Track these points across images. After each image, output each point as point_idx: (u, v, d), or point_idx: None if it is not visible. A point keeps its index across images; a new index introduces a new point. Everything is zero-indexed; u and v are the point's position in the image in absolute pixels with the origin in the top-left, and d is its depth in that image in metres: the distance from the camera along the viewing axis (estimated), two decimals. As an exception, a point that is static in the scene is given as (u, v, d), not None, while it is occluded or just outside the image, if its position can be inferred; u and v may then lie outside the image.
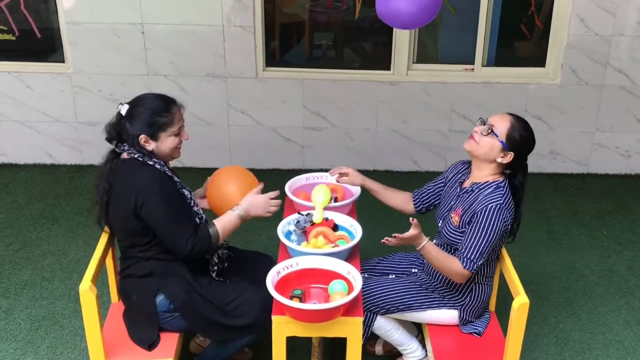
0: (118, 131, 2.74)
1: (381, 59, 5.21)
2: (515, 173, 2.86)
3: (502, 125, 2.78)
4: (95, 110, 5.14)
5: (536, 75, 5.17)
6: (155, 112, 2.72)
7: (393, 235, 2.72)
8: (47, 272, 3.99)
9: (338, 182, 3.22)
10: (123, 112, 2.72)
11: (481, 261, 2.73)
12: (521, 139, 2.78)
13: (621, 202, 4.97)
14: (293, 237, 2.93)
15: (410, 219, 2.74)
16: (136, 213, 2.66)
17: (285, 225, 2.96)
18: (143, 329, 2.81)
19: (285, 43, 5.59)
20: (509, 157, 2.78)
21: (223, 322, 2.79)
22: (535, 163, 5.33)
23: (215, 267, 2.92)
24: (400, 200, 3.20)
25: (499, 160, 2.79)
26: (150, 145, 2.73)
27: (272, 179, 5.14)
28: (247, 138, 5.28)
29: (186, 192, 2.80)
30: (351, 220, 2.99)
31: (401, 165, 5.37)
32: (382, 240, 2.70)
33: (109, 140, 2.78)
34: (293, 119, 5.24)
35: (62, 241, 4.32)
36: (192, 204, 2.81)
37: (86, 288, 2.53)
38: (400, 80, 5.14)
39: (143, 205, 2.64)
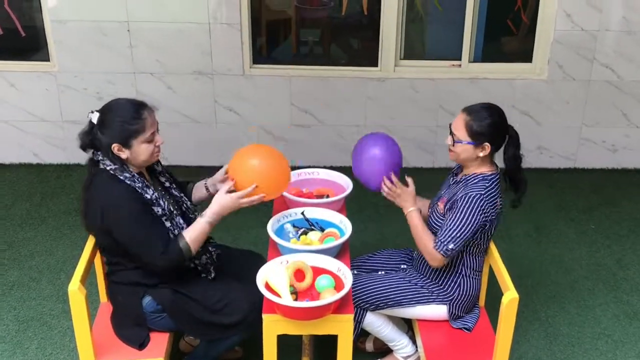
0: (91, 139, 2.66)
1: (368, 56, 5.21)
2: (505, 149, 2.87)
3: (460, 129, 2.79)
4: (81, 108, 5.08)
5: (523, 70, 5.19)
6: (125, 119, 2.61)
7: (392, 179, 2.86)
8: (35, 273, 3.96)
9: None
10: (94, 121, 2.64)
11: (451, 245, 2.74)
12: (484, 129, 2.76)
13: (608, 197, 5.00)
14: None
15: (406, 176, 2.86)
16: (104, 229, 2.63)
17: (276, 222, 2.95)
18: (132, 329, 2.80)
19: (272, 40, 5.57)
20: (487, 147, 2.79)
21: (211, 320, 2.77)
22: (523, 158, 5.34)
23: (210, 268, 2.91)
24: (424, 207, 3.09)
25: (481, 154, 2.80)
26: (124, 154, 2.64)
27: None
28: (235, 136, 5.26)
29: (159, 209, 2.68)
30: (341, 217, 2.99)
31: (389, 162, 5.36)
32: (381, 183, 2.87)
33: (82, 148, 2.70)
34: (281, 116, 5.22)
35: (49, 241, 4.29)
36: (166, 219, 2.70)
37: (75, 288, 2.51)
38: (387, 76, 5.14)
39: (109, 224, 2.60)
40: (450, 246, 2.74)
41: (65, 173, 5.18)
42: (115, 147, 2.61)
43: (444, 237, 2.75)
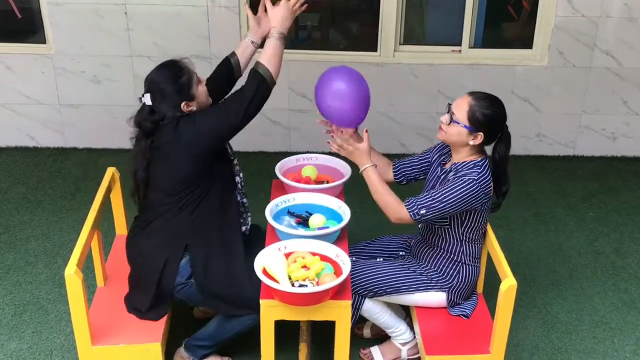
0: (152, 121, 2.72)
1: (368, 40, 5.17)
2: (495, 147, 2.85)
3: (461, 110, 2.77)
4: (77, 92, 5.06)
5: (523, 57, 5.16)
6: (175, 79, 2.73)
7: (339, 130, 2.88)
8: (31, 257, 3.94)
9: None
10: (149, 102, 2.72)
11: (424, 211, 2.70)
12: (484, 118, 2.75)
13: (607, 185, 4.99)
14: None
15: (365, 130, 2.83)
16: (194, 150, 2.69)
17: (274, 208, 2.93)
18: (141, 294, 2.82)
19: (271, 24, 5.52)
20: (479, 137, 2.77)
21: (234, 291, 2.77)
22: (522, 145, 5.33)
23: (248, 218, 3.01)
24: (380, 165, 3.11)
25: (471, 142, 2.79)
26: (192, 106, 2.76)
27: (259, 161, 5.14)
28: (233, 120, 5.22)
29: None
30: (339, 203, 2.97)
31: (388, 148, 5.32)
32: (328, 141, 2.86)
33: (146, 134, 2.73)
34: (279, 101, 5.19)
35: (45, 225, 4.27)
36: None
37: (72, 272, 2.50)
38: (387, 61, 5.11)
39: (197, 136, 2.68)
40: (423, 212, 2.71)
41: (61, 156, 5.15)
42: (183, 105, 2.72)
43: (421, 201, 2.72)
